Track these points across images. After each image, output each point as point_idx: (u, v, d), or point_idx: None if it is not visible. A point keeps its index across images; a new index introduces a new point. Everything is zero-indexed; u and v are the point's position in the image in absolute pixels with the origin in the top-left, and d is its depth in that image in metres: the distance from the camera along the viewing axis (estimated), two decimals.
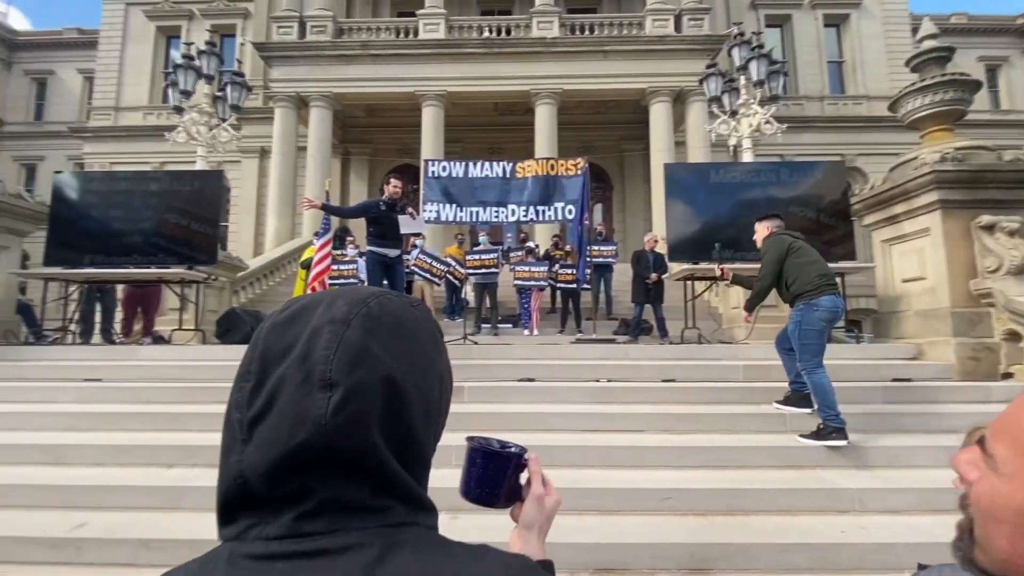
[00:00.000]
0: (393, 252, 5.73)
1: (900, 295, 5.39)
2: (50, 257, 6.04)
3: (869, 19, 17.54)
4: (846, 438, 3.31)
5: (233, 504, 0.44)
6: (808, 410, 3.63)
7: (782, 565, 2.46)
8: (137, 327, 6.88)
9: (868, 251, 7.74)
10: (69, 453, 3.39)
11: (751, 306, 3.80)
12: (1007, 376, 4.36)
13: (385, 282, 5.67)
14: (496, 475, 0.61)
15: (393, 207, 5.64)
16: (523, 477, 0.63)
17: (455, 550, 0.45)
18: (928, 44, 5.40)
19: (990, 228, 4.58)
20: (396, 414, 0.44)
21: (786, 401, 3.82)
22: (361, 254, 8.67)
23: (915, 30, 5.66)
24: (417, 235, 8.38)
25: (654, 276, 7.51)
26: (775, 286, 3.73)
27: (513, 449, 0.63)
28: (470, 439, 0.62)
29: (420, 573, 0.41)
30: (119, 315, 6.90)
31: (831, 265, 5.72)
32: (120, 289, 6.90)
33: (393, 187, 5.79)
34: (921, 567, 1.04)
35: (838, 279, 6.77)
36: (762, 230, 3.97)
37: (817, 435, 3.39)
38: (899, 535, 2.59)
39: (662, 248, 7.21)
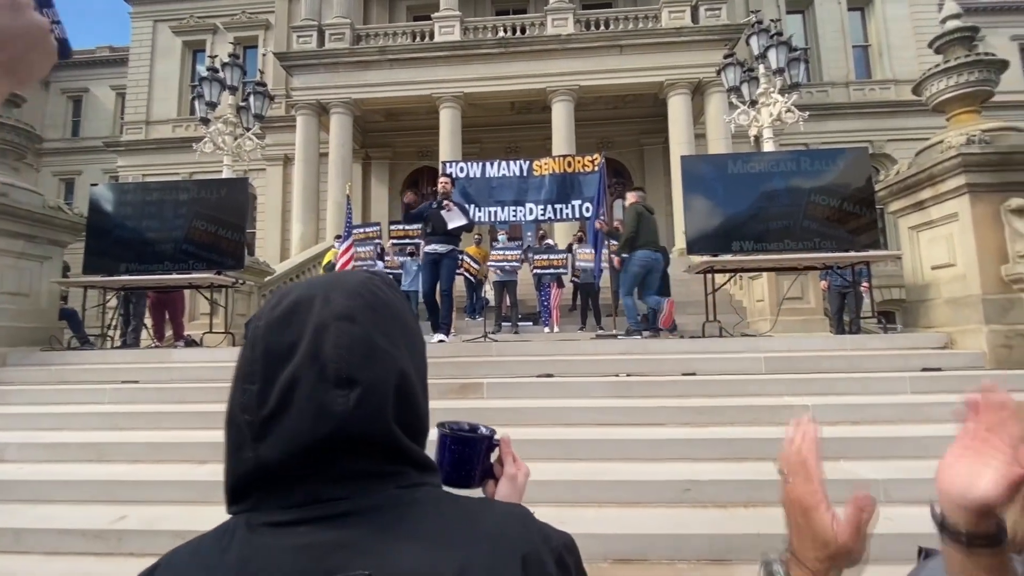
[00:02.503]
0: (442, 248, 5.88)
1: (929, 283, 5.23)
2: (88, 266, 6.28)
3: (895, 1, 16.98)
4: (640, 335, 5.77)
5: (246, 485, 0.45)
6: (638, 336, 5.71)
7: None
8: (168, 332, 7.16)
9: (896, 240, 7.53)
10: (109, 451, 3.56)
11: (619, 252, 5.82)
12: None
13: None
14: (470, 458, 0.63)
15: (441, 204, 5.78)
16: (492, 456, 0.66)
17: (466, 502, 0.49)
18: (951, 24, 5.22)
19: (1021, 211, 4.41)
20: (405, 398, 0.48)
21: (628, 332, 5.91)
22: (380, 253, 8.83)
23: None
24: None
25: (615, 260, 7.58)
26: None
27: (484, 431, 0.64)
28: (440, 425, 0.63)
29: (440, 523, 0.45)
30: (148, 321, 7.17)
31: (855, 254, 5.72)
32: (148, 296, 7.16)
33: (441, 184, 5.92)
34: (922, 550, 1.03)
35: (863, 267, 6.72)
36: (630, 197, 6.10)
37: (627, 334, 5.82)
38: (928, 525, 2.51)
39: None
